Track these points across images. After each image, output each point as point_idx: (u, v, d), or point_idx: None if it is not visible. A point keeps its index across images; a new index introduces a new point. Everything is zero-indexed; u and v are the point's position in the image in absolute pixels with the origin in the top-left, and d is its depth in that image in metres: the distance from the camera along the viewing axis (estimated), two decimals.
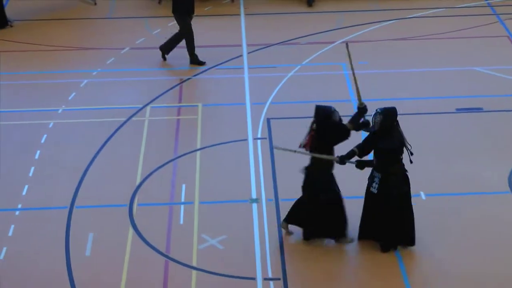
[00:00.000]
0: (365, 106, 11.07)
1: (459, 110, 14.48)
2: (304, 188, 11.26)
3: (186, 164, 13.23)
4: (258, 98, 15.10)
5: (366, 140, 10.97)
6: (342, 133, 10.93)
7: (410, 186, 11.02)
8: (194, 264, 11.06)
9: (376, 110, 10.78)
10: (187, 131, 14.15)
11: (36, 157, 13.50)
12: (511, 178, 12.61)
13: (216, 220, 11.88)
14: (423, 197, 12.20)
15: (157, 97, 15.23)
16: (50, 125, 14.37)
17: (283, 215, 11.78)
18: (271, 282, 10.67)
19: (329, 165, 11.05)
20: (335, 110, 10.97)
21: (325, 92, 15.30)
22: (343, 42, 17.00)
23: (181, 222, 11.91)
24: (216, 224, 11.81)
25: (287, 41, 17.28)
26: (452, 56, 16.48)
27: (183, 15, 16.12)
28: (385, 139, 10.76)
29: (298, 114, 14.58)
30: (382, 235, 11.14)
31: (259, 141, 13.77)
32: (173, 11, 16.22)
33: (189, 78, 15.90)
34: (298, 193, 12.09)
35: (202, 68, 16.24)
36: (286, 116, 14.53)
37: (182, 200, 12.38)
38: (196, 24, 18.20)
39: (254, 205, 12.18)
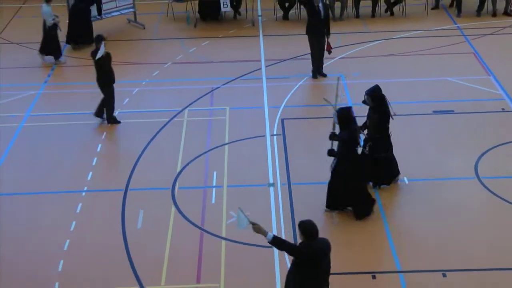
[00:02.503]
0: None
1: (435, 112, 14.41)
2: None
3: (216, 156, 13.24)
4: (274, 103, 15.07)
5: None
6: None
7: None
8: (224, 235, 11.08)
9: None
10: (217, 129, 14.14)
11: (98, 150, 13.55)
12: (477, 166, 12.56)
13: (241, 200, 11.88)
14: (406, 181, 12.17)
15: (193, 102, 15.24)
16: (109, 124, 14.42)
17: (294, 196, 11.78)
18: None
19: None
20: None
21: (328, 97, 15.20)
22: (341, 58, 16.97)
23: (213, 201, 11.92)
24: (241, 203, 11.75)
25: (297, 56, 17.22)
26: (429, 69, 16.39)
27: (312, 35, 15.71)
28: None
29: (306, 115, 14.59)
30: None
31: (275, 137, 13.76)
32: (306, 32, 15.86)
33: (218, 87, 15.89)
34: (307, 178, 12.05)
35: (229, 78, 16.22)
36: (297, 117, 14.51)
37: (214, 184, 12.39)
38: (223, 44, 18.24)
39: (271, 188, 12.18)
